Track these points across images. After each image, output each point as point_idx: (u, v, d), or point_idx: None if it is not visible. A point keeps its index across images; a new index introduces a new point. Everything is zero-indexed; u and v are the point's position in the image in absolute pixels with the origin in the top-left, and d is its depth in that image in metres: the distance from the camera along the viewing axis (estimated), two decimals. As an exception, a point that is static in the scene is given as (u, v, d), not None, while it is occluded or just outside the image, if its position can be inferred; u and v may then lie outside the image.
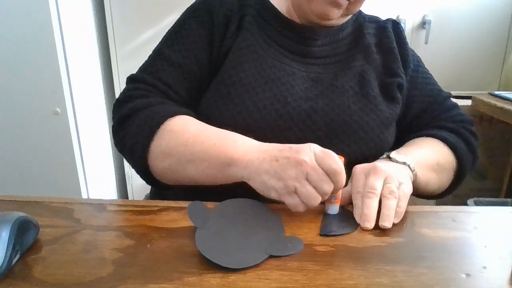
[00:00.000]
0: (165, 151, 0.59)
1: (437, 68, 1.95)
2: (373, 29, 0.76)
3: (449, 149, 0.70)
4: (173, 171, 0.60)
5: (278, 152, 0.52)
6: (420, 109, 0.76)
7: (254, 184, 0.53)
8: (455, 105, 0.79)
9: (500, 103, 1.50)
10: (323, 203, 0.54)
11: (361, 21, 0.76)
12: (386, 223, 0.52)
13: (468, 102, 1.65)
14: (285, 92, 0.65)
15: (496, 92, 1.63)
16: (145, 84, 0.67)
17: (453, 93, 1.82)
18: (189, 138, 0.58)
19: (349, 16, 0.72)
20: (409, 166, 0.61)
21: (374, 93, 0.69)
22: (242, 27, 0.69)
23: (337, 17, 0.68)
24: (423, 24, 1.86)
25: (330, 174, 0.50)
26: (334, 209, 0.55)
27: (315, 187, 0.50)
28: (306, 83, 0.68)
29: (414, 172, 0.61)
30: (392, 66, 0.73)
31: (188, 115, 0.63)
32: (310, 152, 0.51)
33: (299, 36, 0.71)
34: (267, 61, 0.68)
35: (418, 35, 1.88)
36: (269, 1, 0.73)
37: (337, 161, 0.51)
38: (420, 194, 0.67)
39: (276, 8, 0.73)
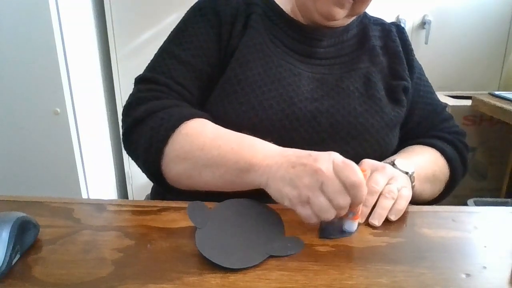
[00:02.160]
0: (180, 155, 0.57)
1: (437, 68, 1.97)
2: (378, 32, 0.76)
3: (445, 161, 0.72)
4: (188, 176, 0.58)
5: (296, 159, 0.49)
6: (421, 116, 0.77)
7: (270, 191, 0.51)
8: (451, 116, 0.81)
9: (500, 103, 1.50)
10: None
11: (366, 23, 0.76)
12: (376, 221, 0.52)
13: (468, 102, 1.65)
14: (291, 92, 0.65)
15: (496, 92, 1.63)
16: (157, 85, 0.65)
17: (453, 93, 1.83)
18: (206, 142, 0.56)
19: (354, 17, 0.72)
20: (410, 176, 0.61)
21: (379, 95, 0.69)
22: (248, 26, 0.69)
23: (342, 18, 0.68)
24: (423, 24, 1.86)
25: (347, 187, 0.46)
26: (351, 226, 0.50)
27: (329, 199, 0.46)
28: (312, 84, 0.68)
29: (413, 184, 0.62)
30: (397, 69, 0.73)
31: (204, 117, 0.61)
32: (328, 161, 0.47)
33: (304, 36, 0.71)
34: (273, 60, 0.67)
35: (418, 35, 1.88)
36: (274, 1, 0.73)
37: (357, 173, 0.46)
38: (413, 201, 0.68)
39: (281, 8, 0.72)
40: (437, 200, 0.74)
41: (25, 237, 0.46)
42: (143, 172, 0.63)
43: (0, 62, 1.44)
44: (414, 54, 0.77)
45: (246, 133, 0.58)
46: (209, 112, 0.66)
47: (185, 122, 0.58)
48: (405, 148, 0.73)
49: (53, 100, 1.48)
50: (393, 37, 0.76)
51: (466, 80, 1.94)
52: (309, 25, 0.72)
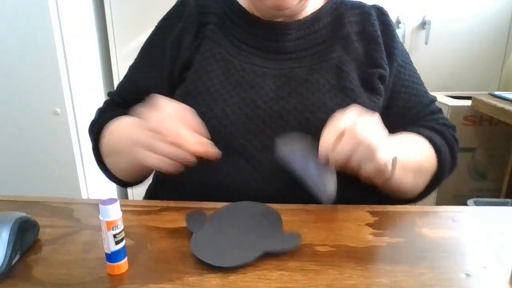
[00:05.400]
0: (104, 152, 0.78)
1: (437, 68, 1.97)
2: (355, 16, 0.72)
3: (434, 151, 0.67)
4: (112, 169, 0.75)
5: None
6: (404, 107, 0.72)
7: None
8: (440, 109, 0.76)
9: (500, 104, 1.50)
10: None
11: (342, 11, 0.73)
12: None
13: (468, 102, 1.65)
14: (254, 95, 0.64)
15: (496, 93, 1.63)
16: (112, 100, 0.79)
17: (453, 93, 1.83)
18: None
19: None
20: (392, 161, 0.55)
21: (352, 86, 0.66)
22: (204, 37, 0.68)
23: (295, 4, 0.65)
24: (423, 24, 1.86)
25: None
26: None
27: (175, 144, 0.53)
28: (278, 81, 0.66)
29: (393, 170, 0.55)
30: (374, 56, 0.69)
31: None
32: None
33: (270, 33, 0.69)
34: (235, 66, 0.66)
35: (418, 35, 1.88)
36: (237, 2, 0.71)
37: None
38: (392, 193, 0.63)
39: (245, 8, 0.71)
40: (419, 197, 0.69)
41: (25, 237, 0.46)
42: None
43: (0, 62, 1.44)
44: (396, 40, 0.72)
45: (214, 142, 0.57)
46: None
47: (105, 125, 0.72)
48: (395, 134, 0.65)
49: (53, 100, 1.48)
50: (372, 21, 0.71)
51: (466, 80, 1.95)
52: (273, 20, 0.69)
